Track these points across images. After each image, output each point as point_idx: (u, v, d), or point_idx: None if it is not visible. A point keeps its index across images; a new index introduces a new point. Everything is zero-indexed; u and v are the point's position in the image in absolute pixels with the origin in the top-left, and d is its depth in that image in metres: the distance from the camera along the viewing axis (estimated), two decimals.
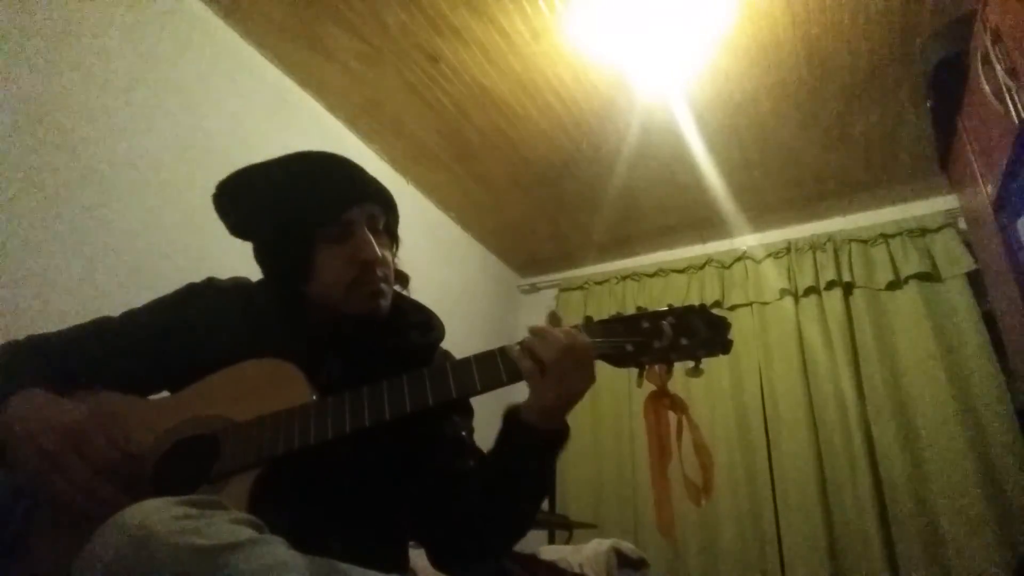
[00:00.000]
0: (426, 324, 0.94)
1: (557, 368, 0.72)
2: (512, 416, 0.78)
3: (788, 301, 2.80)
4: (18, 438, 0.70)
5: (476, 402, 0.88)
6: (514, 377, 0.75)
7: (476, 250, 3.36)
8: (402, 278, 0.95)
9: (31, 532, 0.71)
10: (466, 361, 0.77)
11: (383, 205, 0.90)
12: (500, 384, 0.75)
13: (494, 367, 0.76)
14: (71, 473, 0.68)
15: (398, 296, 0.93)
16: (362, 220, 0.85)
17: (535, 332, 0.76)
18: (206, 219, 1.78)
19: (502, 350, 0.76)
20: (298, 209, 0.84)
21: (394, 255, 0.93)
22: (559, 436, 0.78)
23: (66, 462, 0.69)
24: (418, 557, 1.03)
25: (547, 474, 0.80)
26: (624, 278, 3.27)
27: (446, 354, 0.96)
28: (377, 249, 0.84)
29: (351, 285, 0.84)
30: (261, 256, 0.89)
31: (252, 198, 0.88)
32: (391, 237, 0.93)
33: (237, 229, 0.90)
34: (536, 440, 0.76)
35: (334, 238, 0.83)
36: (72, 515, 0.68)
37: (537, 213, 3.08)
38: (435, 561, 0.87)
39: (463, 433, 0.91)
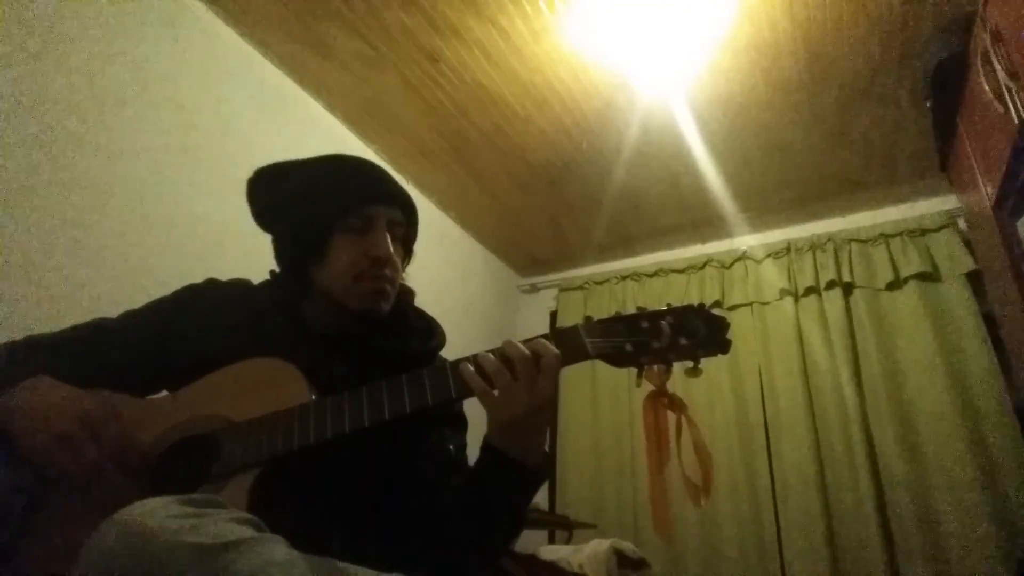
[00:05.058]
0: (428, 331, 0.95)
1: (502, 381, 0.71)
2: (484, 441, 0.77)
3: (788, 301, 2.80)
4: (29, 421, 0.71)
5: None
6: (464, 393, 0.74)
7: (476, 250, 3.36)
8: (407, 293, 0.96)
9: (29, 531, 0.71)
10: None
11: (406, 215, 0.92)
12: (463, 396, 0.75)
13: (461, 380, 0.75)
14: (85, 455, 0.70)
15: (402, 302, 0.94)
16: (383, 220, 0.88)
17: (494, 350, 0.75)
18: (206, 219, 1.80)
19: (456, 364, 0.75)
20: (325, 195, 0.87)
21: (404, 267, 0.95)
22: (532, 471, 0.75)
23: (81, 444, 0.70)
24: None
25: (514, 507, 0.79)
26: (624, 278, 3.27)
27: (446, 362, 0.96)
28: (390, 247, 0.86)
29: (357, 277, 0.85)
30: (279, 240, 0.92)
31: (283, 187, 0.91)
32: (405, 249, 0.95)
33: (262, 215, 0.93)
34: (505, 469, 0.74)
35: (353, 229, 0.86)
36: (79, 499, 0.70)
37: (537, 213, 3.08)
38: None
39: (450, 447, 0.90)
